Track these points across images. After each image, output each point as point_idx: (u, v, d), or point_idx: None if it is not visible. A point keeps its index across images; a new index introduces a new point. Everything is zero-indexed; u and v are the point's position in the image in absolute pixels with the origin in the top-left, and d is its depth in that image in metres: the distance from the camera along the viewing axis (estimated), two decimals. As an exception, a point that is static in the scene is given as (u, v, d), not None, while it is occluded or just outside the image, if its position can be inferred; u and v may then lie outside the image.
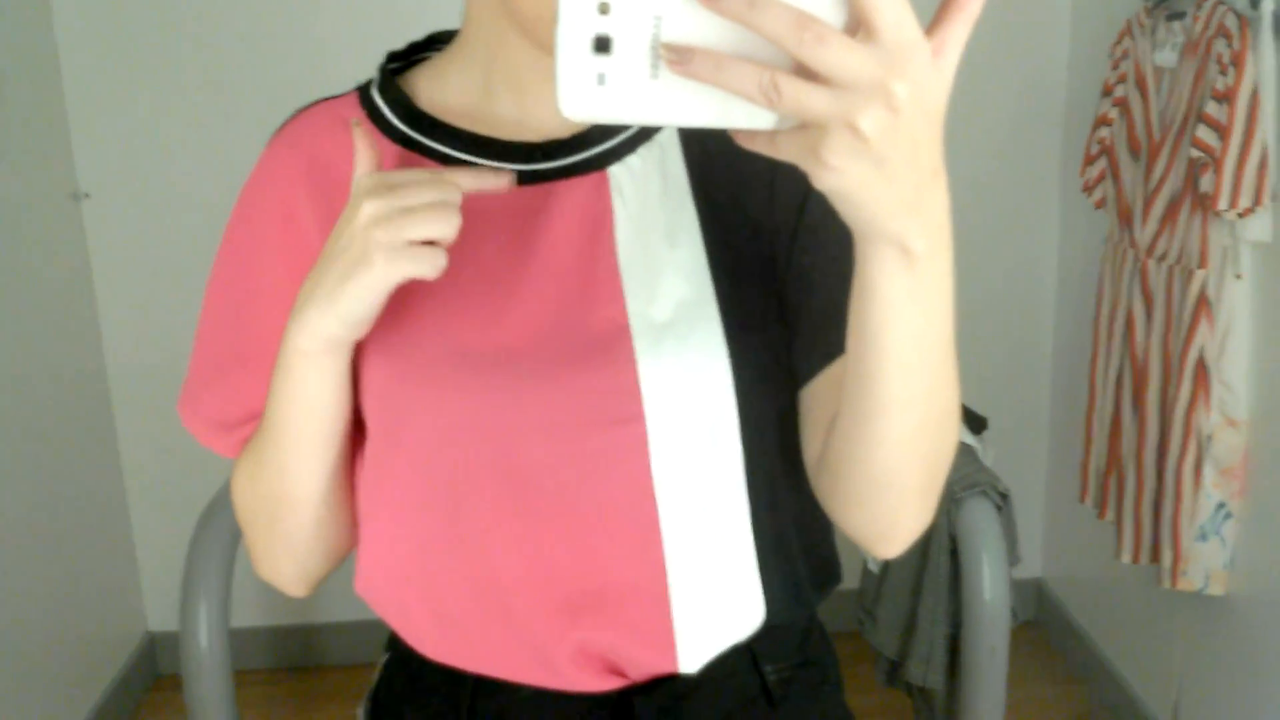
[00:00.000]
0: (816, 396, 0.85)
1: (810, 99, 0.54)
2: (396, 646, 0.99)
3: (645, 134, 0.87)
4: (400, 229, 0.74)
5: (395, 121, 0.89)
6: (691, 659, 0.87)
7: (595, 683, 0.87)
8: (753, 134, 0.58)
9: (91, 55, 2.61)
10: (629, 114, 0.57)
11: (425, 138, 0.87)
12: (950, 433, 0.77)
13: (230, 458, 0.96)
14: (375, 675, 1.03)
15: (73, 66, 2.62)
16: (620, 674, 0.88)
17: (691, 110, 0.57)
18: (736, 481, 0.84)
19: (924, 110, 0.56)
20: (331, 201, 0.87)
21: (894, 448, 0.74)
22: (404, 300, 0.84)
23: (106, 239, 2.72)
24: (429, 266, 0.75)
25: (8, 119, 2.38)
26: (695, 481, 0.82)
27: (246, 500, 0.92)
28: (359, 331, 0.79)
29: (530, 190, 0.85)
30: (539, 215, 0.85)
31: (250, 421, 0.92)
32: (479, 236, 0.85)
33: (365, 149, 0.80)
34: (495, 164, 0.86)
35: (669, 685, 0.88)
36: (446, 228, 0.74)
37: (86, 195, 2.68)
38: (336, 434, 0.86)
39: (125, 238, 2.72)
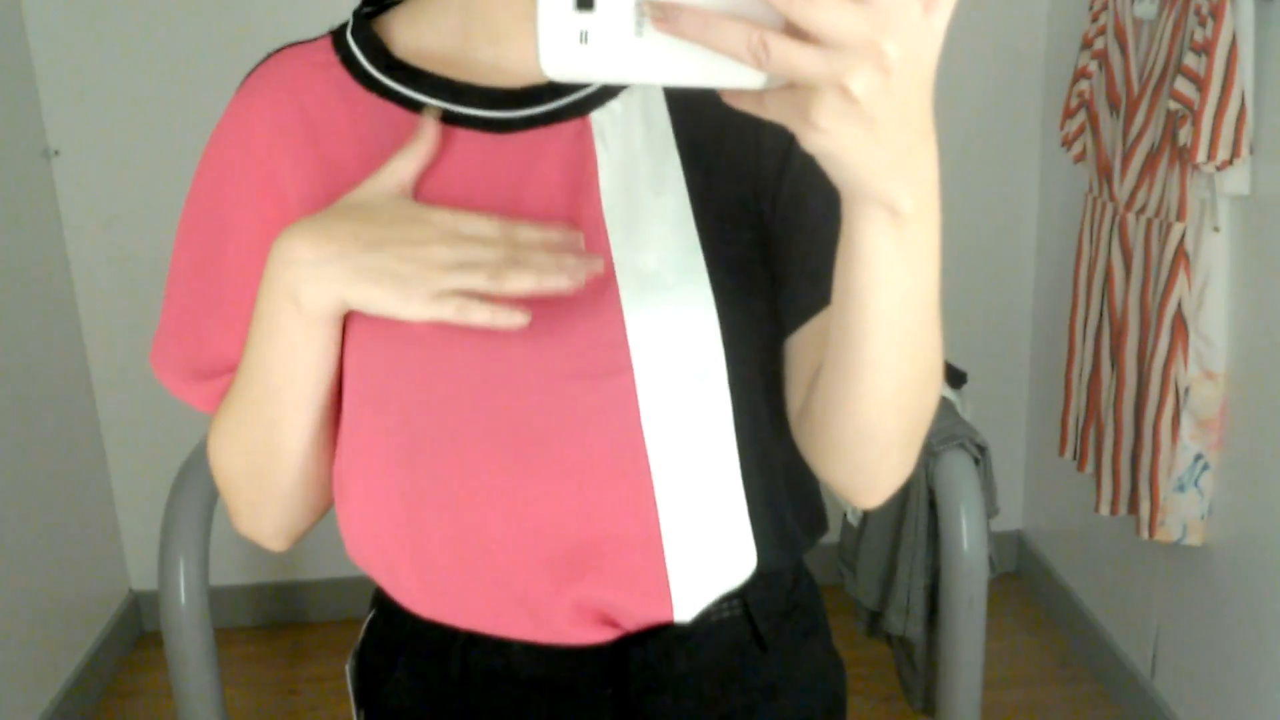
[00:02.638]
0: (801, 347, 0.85)
1: (799, 59, 0.53)
2: (382, 603, 0.98)
3: None
4: (453, 281, 0.75)
5: (369, 68, 0.86)
6: (686, 607, 0.86)
7: (589, 635, 0.87)
8: (740, 93, 0.57)
9: (57, 9, 2.58)
10: (613, 73, 0.56)
11: (400, 85, 0.85)
12: (933, 389, 0.77)
13: (203, 410, 0.94)
14: (360, 632, 1.02)
15: (38, 21, 2.59)
16: (614, 624, 0.88)
17: (677, 70, 0.56)
18: (726, 430, 0.83)
19: (915, 71, 0.55)
20: (306, 147, 0.85)
21: (876, 404, 0.74)
22: None
23: (78, 196, 2.70)
24: (458, 313, 0.76)
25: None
26: (686, 431, 0.82)
27: (227, 456, 0.91)
28: None
29: (511, 139, 0.83)
30: (521, 166, 0.83)
31: (224, 373, 0.91)
32: (460, 189, 0.83)
33: (427, 140, 0.80)
34: (474, 111, 0.84)
35: (662, 634, 0.88)
36: (498, 285, 0.76)
37: (56, 152, 2.66)
38: (330, 385, 0.85)
39: (97, 194, 2.71)
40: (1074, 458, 2.44)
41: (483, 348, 0.81)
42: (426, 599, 0.90)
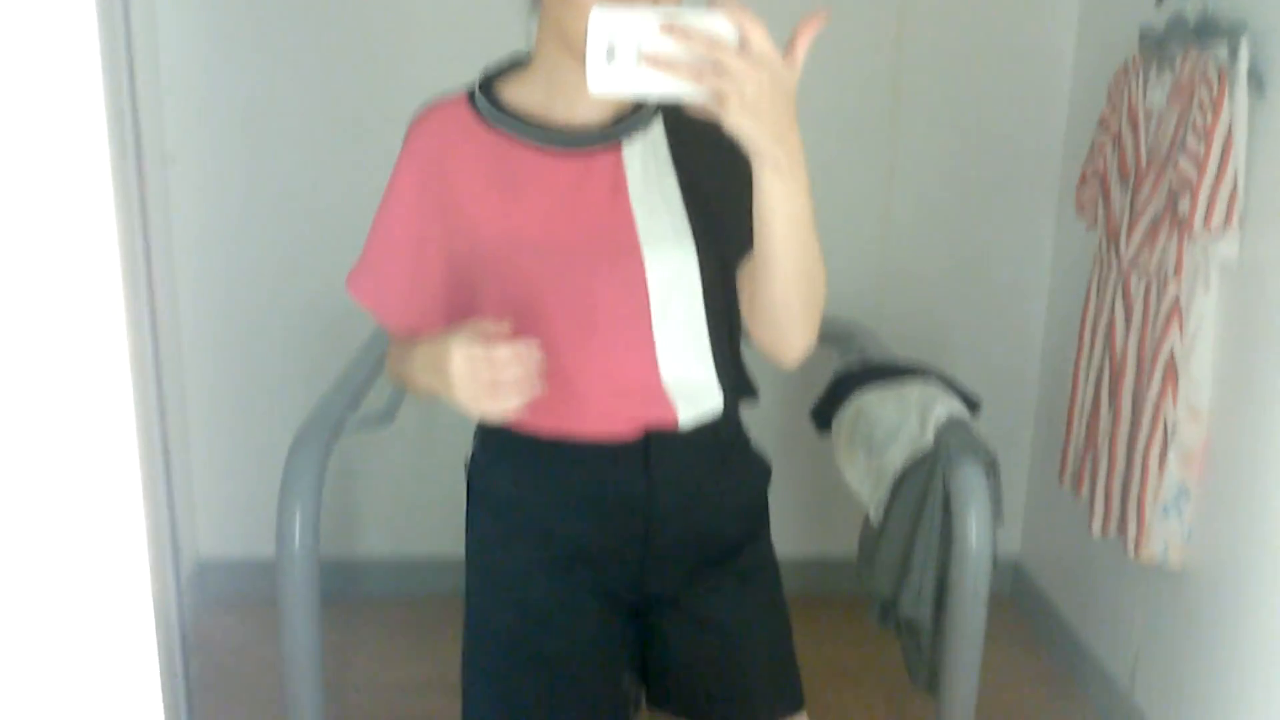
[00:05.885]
0: (745, 269, 1.35)
1: (719, 82, 1.05)
2: (482, 427, 1.53)
3: (643, 126, 1.39)
4: (496, 376, 1.28)
5: (490, 116, 1.40)
6: (686, 419, 1.45)
7: (626, 429, 1.43)
8: (693, 102, 1.07)
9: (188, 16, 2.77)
10: (628, 88, 1.08)
11: (508, 128, 1.39)
12: (818, 279, 1.29)
13: (393, 318, 1.48)
14: (471, 444, 1.56)
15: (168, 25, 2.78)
16: (639, 423, 1.43)
17: (662, 86, 1.07)
18: (700, 322, 1.41)
19: (780, 89, 1.07)
20: (446, 173, 1.39)
21: (782, 284, 1.26)
22: (497, 211, 1.38)
23: (191, 204, 2.88)
24: (502, 404, 1.28)
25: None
26: (677, 322, 1.40)
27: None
28: None
29: (573, 158, 1.38)
30: (581, 175, 1.38)
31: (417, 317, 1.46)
32: (545, 191, 1.37)
33: (487, 331, 1.31)
34: (551, 143, 1.38)
35: (671, 434, 1.45)
36: (527, 383, 1.28)
37: (172, 160, 2.85)
38: None
39: (210, 203, 2.87)
40: (1072, 482, 2.66)
41: (562, 271, 1.37)
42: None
